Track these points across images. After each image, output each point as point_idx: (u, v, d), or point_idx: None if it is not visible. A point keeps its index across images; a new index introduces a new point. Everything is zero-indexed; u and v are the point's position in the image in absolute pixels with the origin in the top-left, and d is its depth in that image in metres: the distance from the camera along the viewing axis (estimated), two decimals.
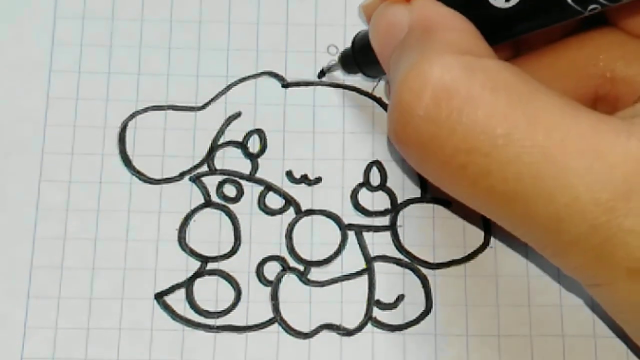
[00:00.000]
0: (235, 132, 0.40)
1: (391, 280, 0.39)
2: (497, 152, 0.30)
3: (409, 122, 0.31)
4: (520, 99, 0.30)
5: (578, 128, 0.29)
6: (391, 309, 0.38)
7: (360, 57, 0.38)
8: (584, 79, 0.36)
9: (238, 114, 0.41)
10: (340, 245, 0.39)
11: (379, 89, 0.41)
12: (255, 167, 0.40)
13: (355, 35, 0.39)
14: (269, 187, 0.40)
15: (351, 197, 0.40)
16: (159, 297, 0.38)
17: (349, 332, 0.38)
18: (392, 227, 0.39)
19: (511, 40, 0.35)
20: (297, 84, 0.41)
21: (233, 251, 0.39)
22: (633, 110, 0.31)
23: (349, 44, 0.40)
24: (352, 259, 0.39)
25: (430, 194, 0.40)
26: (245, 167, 0.40)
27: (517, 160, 0.30)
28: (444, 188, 0.33)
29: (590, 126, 0.30)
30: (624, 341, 0.38)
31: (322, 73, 0.41)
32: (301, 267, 0.39)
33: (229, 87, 0.41)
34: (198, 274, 0.38)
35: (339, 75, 0.41)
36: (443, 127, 0.30)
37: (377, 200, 0.40)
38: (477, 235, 0.39)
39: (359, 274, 0.39)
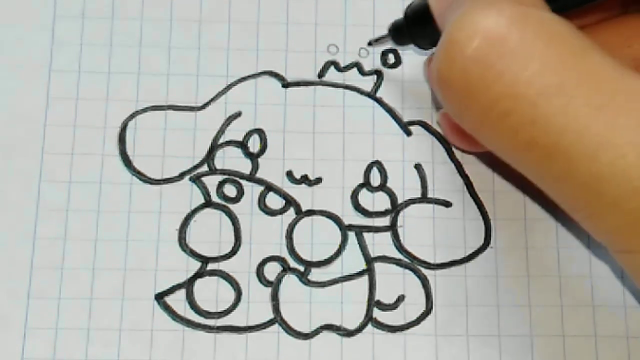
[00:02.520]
0: (235, 132, 0.40)
1: (391, 281, 0.39)
2: (544, 101, 0.29)
3: (456, 61, 0.31)
4: (573, 53, 0.30)
5: (629, 86, 0.29)
6: (391, 310, 0.38)
7: (413, 26, 0.38)
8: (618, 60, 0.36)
9: (238, 114, 0.41)
10: (340, 245, 0.39)
11: (379, 89, 0.41)
12: (255, 167, 0.40)
13: (408, 6, 0.38)
14: (269, 187, 0.40)
15: (351, 197, 0.40)
16: (159, 297, 0.38)
17: (349, 333, 0.38)
18: (393, 228, 0.39)
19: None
20: (297, 83, 0.41)
21: (233, 251, 0.39)
22: None
23: (349, 44, 0.39)
24: (352, 260, 0.39)
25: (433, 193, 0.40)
26: (245, 167, 0.40)
27: (564, 112, 0.29)
28: (482, 137, 0.32)
29: None
30: (625, 340, 0.38)
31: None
32: (301, 268, 0.39)
33: (229, 87, 0.41)
34: (198, 275, 0.38)
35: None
36: (492, 70, 0.30)
37: (377, 201, 0.40)
38: (477, 235, 0.39)
39: (359, 274, 0.39)
